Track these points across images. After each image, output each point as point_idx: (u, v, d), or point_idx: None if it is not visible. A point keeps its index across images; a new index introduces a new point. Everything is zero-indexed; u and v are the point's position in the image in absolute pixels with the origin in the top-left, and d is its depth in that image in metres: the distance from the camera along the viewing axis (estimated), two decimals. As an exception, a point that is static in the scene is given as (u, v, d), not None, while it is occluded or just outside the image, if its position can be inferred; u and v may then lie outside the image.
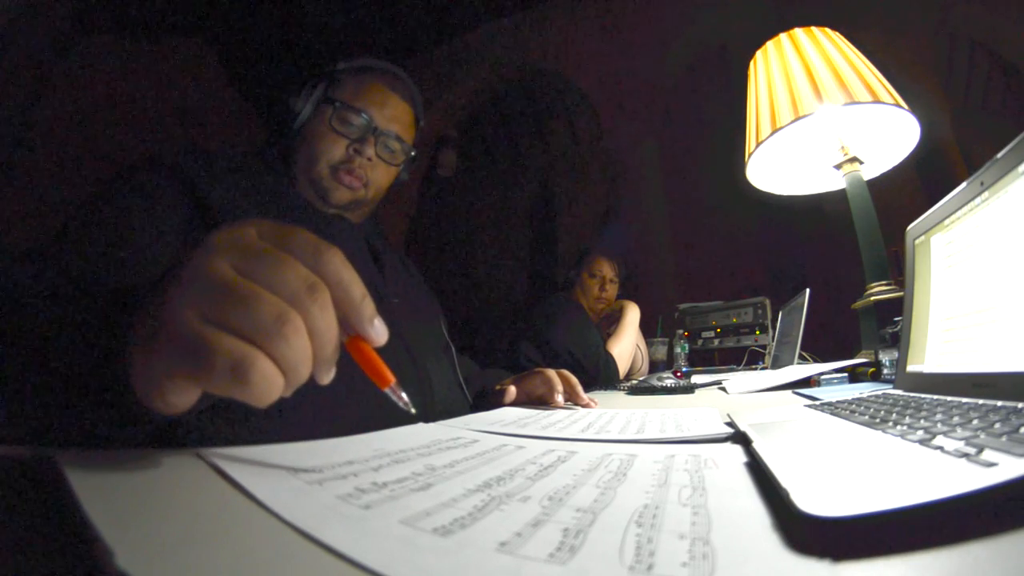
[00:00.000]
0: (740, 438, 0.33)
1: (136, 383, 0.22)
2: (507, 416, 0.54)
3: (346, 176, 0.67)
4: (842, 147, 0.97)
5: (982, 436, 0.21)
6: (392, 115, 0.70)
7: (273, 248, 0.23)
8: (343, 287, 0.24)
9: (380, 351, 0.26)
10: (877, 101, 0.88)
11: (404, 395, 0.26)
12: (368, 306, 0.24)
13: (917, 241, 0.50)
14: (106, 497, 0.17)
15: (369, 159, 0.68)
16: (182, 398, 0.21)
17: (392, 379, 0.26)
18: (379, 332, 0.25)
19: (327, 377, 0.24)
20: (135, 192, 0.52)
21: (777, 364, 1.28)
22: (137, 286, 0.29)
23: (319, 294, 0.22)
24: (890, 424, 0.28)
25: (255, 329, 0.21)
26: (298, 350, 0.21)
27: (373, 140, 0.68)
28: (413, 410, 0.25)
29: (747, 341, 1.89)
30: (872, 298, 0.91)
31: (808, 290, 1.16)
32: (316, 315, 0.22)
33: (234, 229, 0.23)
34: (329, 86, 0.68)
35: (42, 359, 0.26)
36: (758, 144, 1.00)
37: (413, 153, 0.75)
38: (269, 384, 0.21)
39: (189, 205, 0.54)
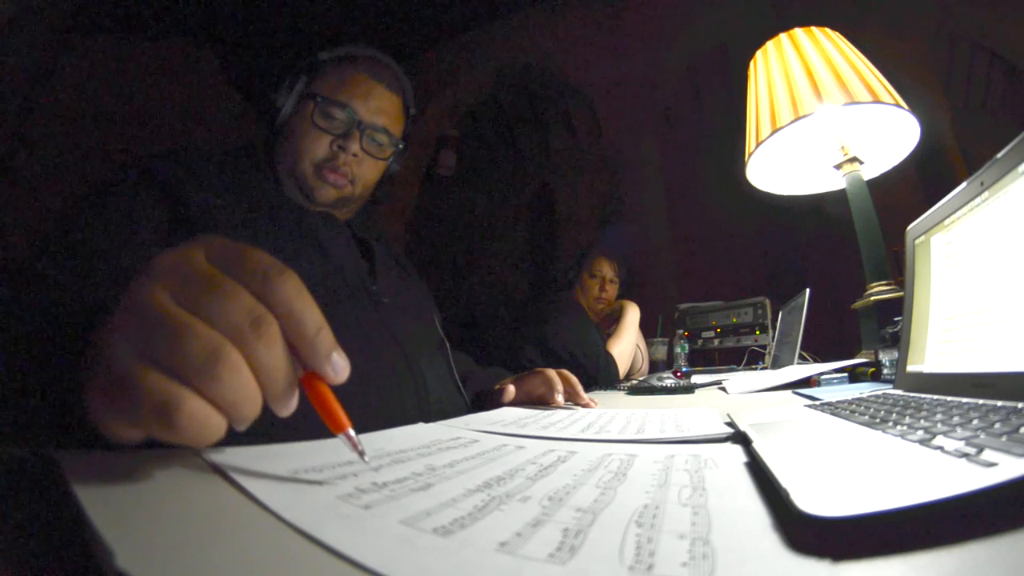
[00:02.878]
0: (740, 438, 0.33)
1: (90, 415, 0.21)
2: (507, 416, 0.54)
3: (330, 174, 0.65)
4: (842, 147, 0.97)
5: (982, 436, 0.21)
6: (378, 107, 0.67)
7: (219, 274, 0.21)
8: (294, 318, 0.21)
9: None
10: (877, 101, 0.88)
11: (359, 443, 0.23)
12: (324, 340, 0.22)
13: (917, 241, 0.50)
14: (106, 497, 0.17)
15: (354, 155, 0.65)
16: (130, 434, 0.20)
17: (347, 424, 0.23)
18: (337, 369, 0.23)
19: (285, 411, 0.22)
20: (113, 203, 0.51)
21: (777, 364, 1.29)
22: (99, 308, 0.27)
23: (264, 327, 0.20)
24: (890, 424, 0.28)
25: (185, 367, 0.19)
26: (234, 389, 0.19)
27: (358, 135, 0.65)
28: (367, 458, 0.23)
29: (747, 341, 1.89)
30: (872, 298, 0.91)
31: (808, 290, 1.16)
32: (260, 351, 0.20)
33: (181, 252, 0.22)
34: (311, 79, 0.66)
35: (10, 379, 0.26)
36: (758, 144, 1.00)
37: (402, 145, 0.72)
38: (201, 426, 0.19)
39: (169, 211, 0.53)
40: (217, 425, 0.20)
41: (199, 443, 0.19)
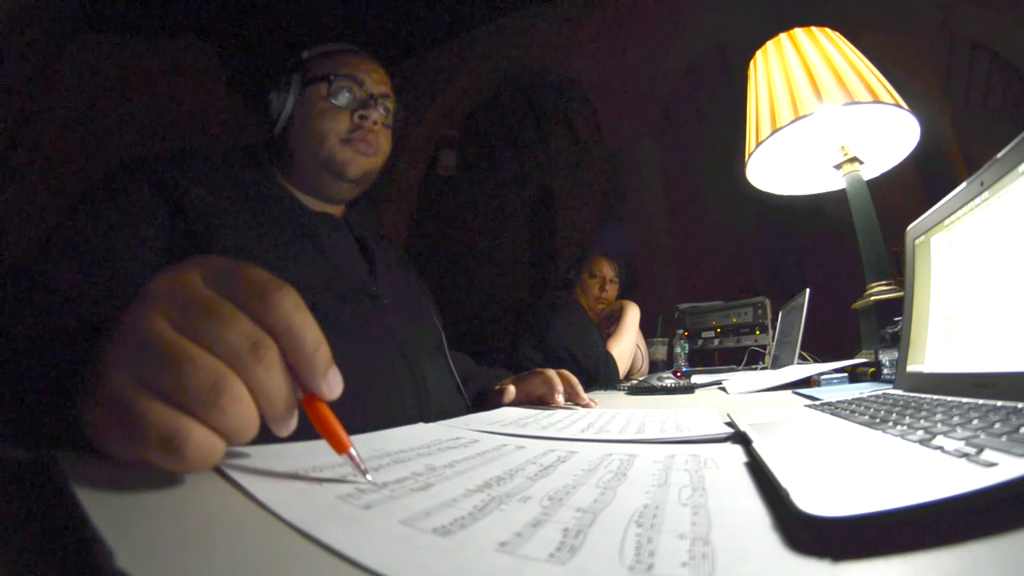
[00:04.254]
0: (740, 438, 0.33)
1: (88, 434, 0.21)
2: (507, 416, 0.54)
3: (360, 143, 0.67)
4: (842, 147, 0.97)
5: (982, 436, 0.21)
6: (379, 79, 0.71)
7: (216, 298, 0.21)
8: (294, 335, 0.21)
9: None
10: (877, 101, 0.88)
11: (362, 463, 0.23)
12: (321, 357, 0.22)
13: (917, 241, 0.50)
14: (106, 497, 0.17)
15: (375, 123, 0.68)
16: (131, 457, 0.19)
17: (349, 445, 0.23)
18: (332, 386, 0.22)
19: (285, 432, 0.22)
20: (113, 202, 0.52)
21: (777, 364, 1.28)
22: (96, 328, 0.26)
23: (263, 351, 0.20)
24: (890, 424, 0.28)
25: (188, 398, 0.19)
26: (237, 418, 0.20)
27: (374, 105, 0.68)
28: (369, 476, 0.23)
29: (747, 341, 1.89)
30: (872, 298, 0.91)
31: (808, 290, 1.16)
32: (261, 376, 0.20)
33: (177, 274, 0.21)
34: (306, 72, 0.68)
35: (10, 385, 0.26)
36: (758, 144, 1.00)
37: (403, 113, 0.75)
38: (207, 454, 0.19)
39: (170, 211, 0.53)
40: (219, 451, 0.20)
41: (202, 468, 0.20)
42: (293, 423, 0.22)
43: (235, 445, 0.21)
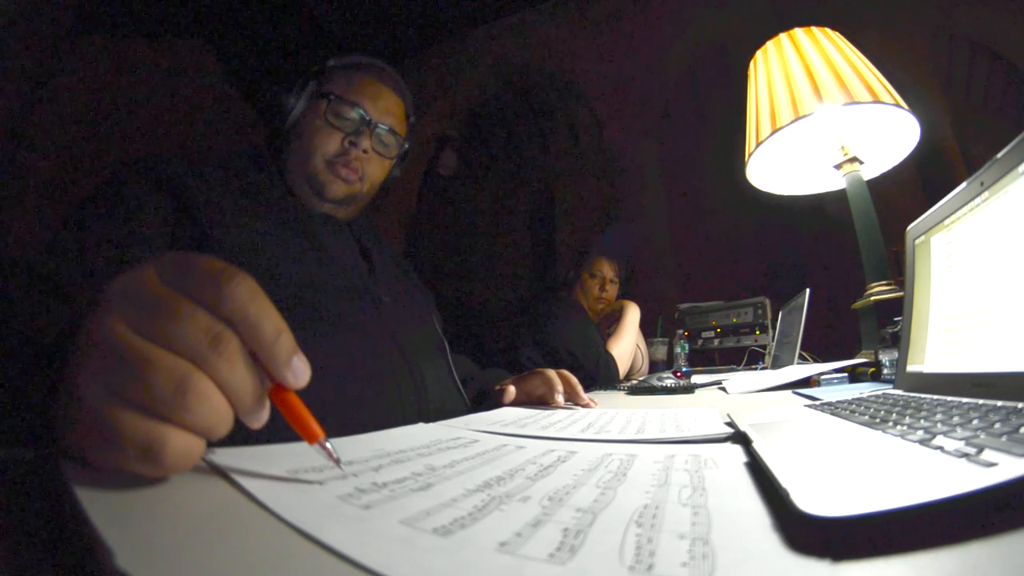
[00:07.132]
0: (740, 438, 0.33)
1: (68, 446, 0.20)
2: (507, 416, 0.54)
3: (343, 169, 0.66)
4: (842, 147, 0.97)
5: (982, 436, 0.21)
6: (385, 108, 0.70)
7: (171, 294, 0.20)
8: (250, 325, 0.21)
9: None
10: (877, 101, 0.88)
11: (334, 451, 0.23)
12: (283, 344, 0.21)
13: (917, 241, 0.50)
14: (106, 497, 0.17)
15: (364, 151, 0.67)
16: (113, 466, 0.19)
17: (321, 434, 0.23)
18: (298, 374, 0.22)
19: (257, 424, 0.22)
20: (119, 200, 0.52)
21: (777, 364, 1.28)
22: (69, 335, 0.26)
23: (224, 344, 0.20)
24: (890, 424, 0.28)
25: (156, 402, 0.19)
26: (207, 415, 0.19)
27: (368, 132, 0.68)
28: (344, 467, 0.23)
29: (747, 341, 1.89)
30: (872, 298, 0.91)
31: (808, 290, 1.16)
32: (224, 370, 0.20)
33: (132, 275, 0.21)
34: (321, 82, 0.69)
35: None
36: (758, 144, 1.00)
37: (406, 146, 0.75)
38: (186, 457, 0.19)
39: (174, 208, 0.54)
40: (199, 451, 0.20)
41: (182, 470, 0.20)
42: (264, 415, 0.22)
43: (213, 441, 0.21)
